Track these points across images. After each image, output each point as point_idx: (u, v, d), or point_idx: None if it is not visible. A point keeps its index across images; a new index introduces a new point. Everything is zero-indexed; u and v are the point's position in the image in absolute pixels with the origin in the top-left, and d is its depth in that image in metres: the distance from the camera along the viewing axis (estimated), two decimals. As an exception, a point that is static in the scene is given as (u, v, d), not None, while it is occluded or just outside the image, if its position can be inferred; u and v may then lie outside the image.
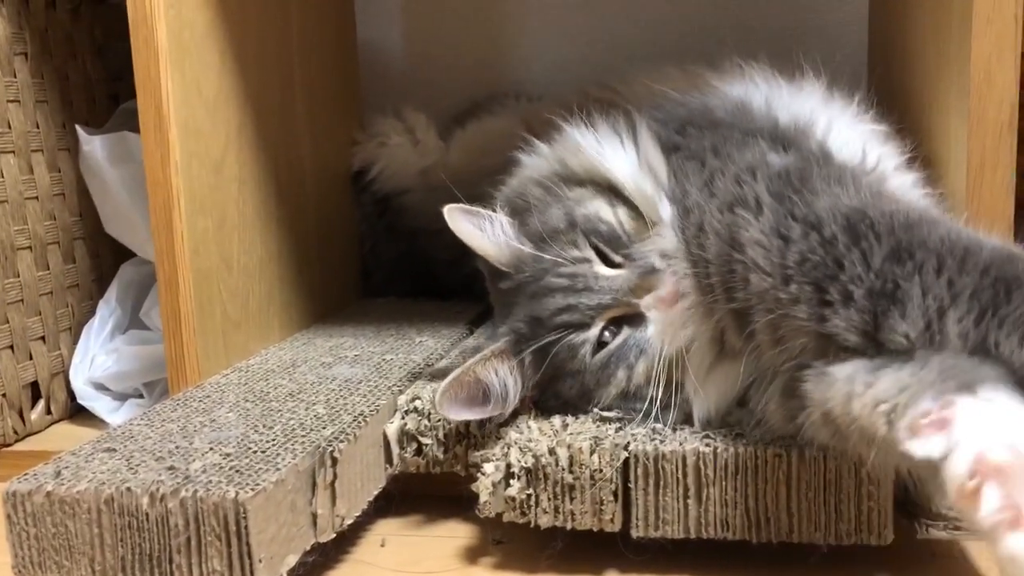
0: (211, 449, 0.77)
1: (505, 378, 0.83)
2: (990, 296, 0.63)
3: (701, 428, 0.79)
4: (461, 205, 0.87)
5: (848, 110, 0.94)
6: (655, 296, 0.79)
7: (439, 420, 0.86)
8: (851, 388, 0.66)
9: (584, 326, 0.81)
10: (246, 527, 0.68)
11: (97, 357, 1.16)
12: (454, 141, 1.35)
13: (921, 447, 0.58)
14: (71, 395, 1.19)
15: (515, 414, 0.85)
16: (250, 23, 1.10)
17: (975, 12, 0.81)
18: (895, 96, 1.08)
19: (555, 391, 0.85)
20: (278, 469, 0.72)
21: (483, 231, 0.87)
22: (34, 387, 1.15)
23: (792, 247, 0.71)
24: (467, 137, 1.34)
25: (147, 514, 0.69)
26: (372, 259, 1.40)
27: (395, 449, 0.88)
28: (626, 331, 0.81)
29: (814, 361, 0.70)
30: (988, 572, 0.76)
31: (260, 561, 0.69)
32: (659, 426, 0.79)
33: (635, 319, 0.81)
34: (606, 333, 0.81)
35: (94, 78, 1.26)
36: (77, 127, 1.16)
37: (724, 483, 0.75)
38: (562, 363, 0.82)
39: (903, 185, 0.86)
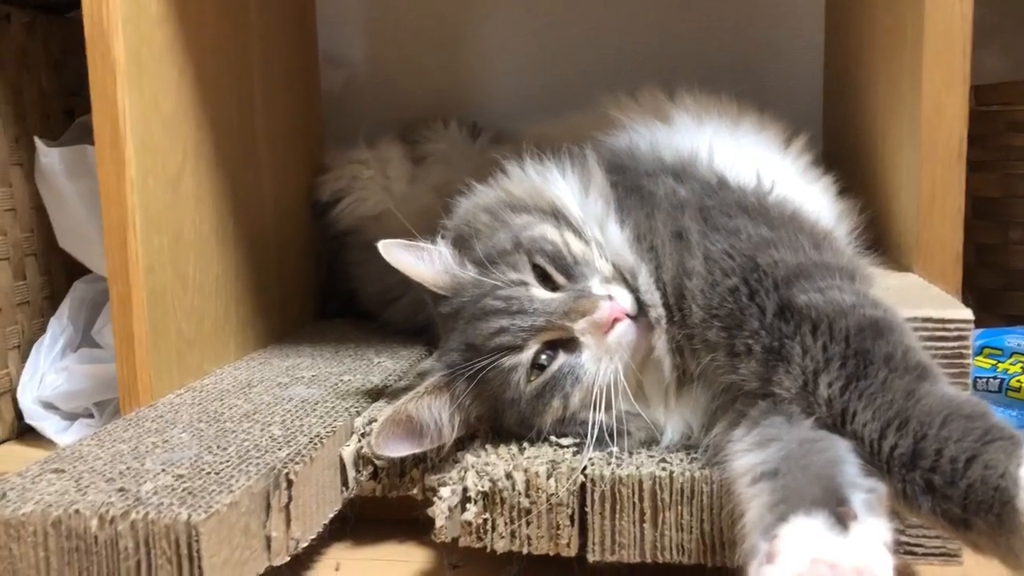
0: (163, 471, 0.76)
1: (440, 413, 0.82)
2: (853, 367, 0.67)
3: (667, 452, 0.79)
4: (397, 240, 0.86)
5: (752, 134, 0.98)
6: (589, 321, 0.78)
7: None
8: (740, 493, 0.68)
9: (517, 348, 0.80)
10: (198, 550, 0.67)
11: (47, 376, 1.14)
12: (417, 181, 1.34)
13: None
14: (19, 415, 1.16)
15: (472, 437, 0.85)
16: (209, 40, 1.09)
17: (925, 46, 0.84)
18: (849, 127, 1.11)
19: (499, 422, 0.84)
20: (232, 491, 0.71)
21: (421, 261, 0.86)
22: (-20, 406, 1.13)
23: (715, 289, 0.75)
24: (430, 179, 1.34)
25: (96, 537, 0.68)
26: (328, 288, 1.39)
27: (351, 472, 0.87)
28: (561, 357, 0.80)
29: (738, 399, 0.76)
30: (938, 596, 0.77)
31: (212, 585, 0.68)
32: (615, 450, 0.79)
33: (570, 344, 0.80)
34: (542, 358, 0.80)
35: (49, 92, 1.25)
36: (36, 139, 1.14)
37: (680, 507, 0.75)
38: (498, 391, 0.81)
39: (811, 194, 0.89)
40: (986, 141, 1.19)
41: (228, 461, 0.78)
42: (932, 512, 0.61)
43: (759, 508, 0.64)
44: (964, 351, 0.73)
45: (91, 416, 1.13)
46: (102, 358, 1.13)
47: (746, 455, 0.70)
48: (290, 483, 0.77)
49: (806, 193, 0.90)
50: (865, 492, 0.63)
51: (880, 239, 0.95)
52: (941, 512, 0.61)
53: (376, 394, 0.97)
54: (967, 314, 0.73)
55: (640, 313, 0.79)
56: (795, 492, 0.63)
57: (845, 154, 0.94)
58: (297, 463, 0.79)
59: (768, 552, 0.59)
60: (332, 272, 1.38)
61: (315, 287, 1.40)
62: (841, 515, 0.60)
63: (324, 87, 1.49)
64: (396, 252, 0.86)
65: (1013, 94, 1.20)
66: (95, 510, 0.68)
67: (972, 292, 0.88)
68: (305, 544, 0.80)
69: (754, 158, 0.90)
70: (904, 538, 0.73)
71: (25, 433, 1.17)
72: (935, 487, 0.61)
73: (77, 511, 0.68)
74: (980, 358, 1.00)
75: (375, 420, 0.87)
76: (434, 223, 0.93)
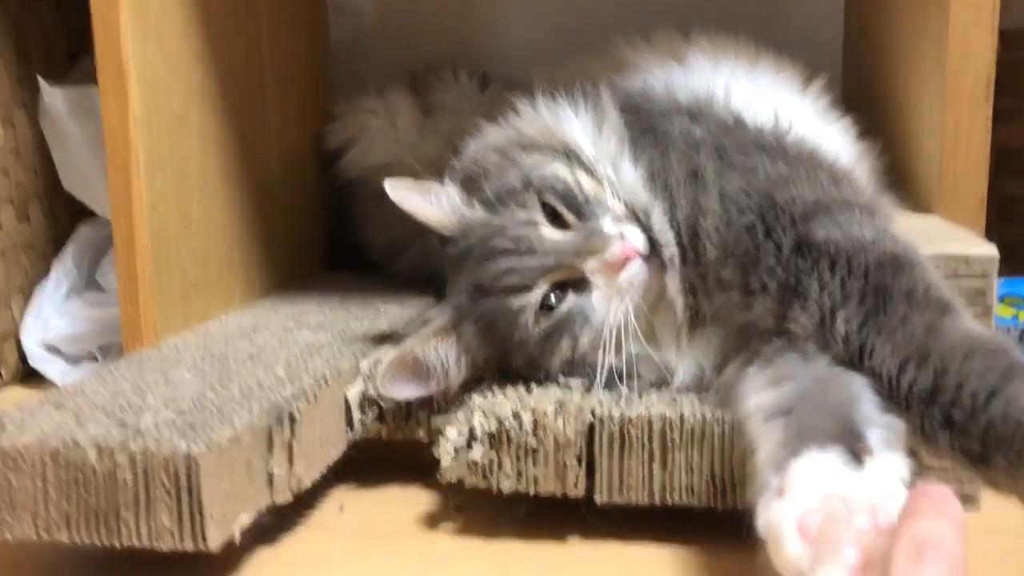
0: (165, 406, 0.75)
1: (446, 355, 0.80)
2: (872, 303, 0.66)
3: (677, 393, 0.77)
4: (405, 179, 0.84)
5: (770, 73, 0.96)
6: (600, 260, 0.76)
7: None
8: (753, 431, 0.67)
9: (526, 289, 0.78)
10: (197, 483, 0.66)
11: (51, 319, 1.13)
12: (426, 132, 1.32)
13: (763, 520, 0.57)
14: (22, 358, 1.15)
15: (479, 380, 0.83)
16: (216, -21, 1.07)
17: (953, -20, 0.81)
18: (870, 68, 1.08)
19: (507, 364, 0.82)
20: (234, 426, 0.70)
21: (429, 201, 0.84)
22: (-16, 348, 1.12)
23: (731, 227, 0.74)
24: (439, 129, 1.31)
25: (94, 468, 0.67)
26: (336, 238, 1.38)
27: (356, 413, 0.86)
28: (571, 297, 0.77)
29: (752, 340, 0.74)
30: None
31: (212, 518, 0.66)
32: (625, 391, 0.77)
33: (580, 284, 0.78)
34: (551, 298, 0.78)
35: (53, 33, 1.22)
36: (40, 79, 1.13)
37: (690, 449, 0.73)
38: (507, 332, 0.79)
39: (830, 135, 0.87)
40: (1013, 89, 1.16)
41: (231, 398, 0.76)
42: (951, 447, 0.59)
43: (772, 445, 0.63)
44: (988, 289, 0.71)
45: (95, 359, 1.12)
46: (106, 302, 1.12)
47: (759, 393, 0.69)
48: (293, 421, 0.76)
49: (825, 134, 0.87)
50: (883, 428, 0.61)
51: (901, 183, 0.93)
52: (960, 447, 0.59)
53: (383, 339, 0.95)
54: (991, 251, 0.71)
55: (652, 253, 0.77)
56: (810, 428, 0.61)
57: (866, 96, 0.92)
58: (301, 401, 0.77)
59: (779, 487, 0.57)
60: (340, 222, 1.36)
61: (323, 237, 1.38)
62: (857, 451, 0.58)
63: (334, 35, 1.47)
64: (403, 192, 0.84)
65: (1044, 40, 1.16)
66: (93, 441, 0.67)
67: (995, 244, 0.85)
68: (309, 483, 0.79)
69: (771, 99, 0.88)
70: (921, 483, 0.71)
71: (29, 376, 1.16)
72: (954, 422, 0.59)
73: (76, 442, 0.67)
74: (1001, 306, 0.98)
75: (381, 362, 0.86)
76: (443, 172, 0.91)
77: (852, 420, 0.61)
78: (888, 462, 0.58)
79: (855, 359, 0.66)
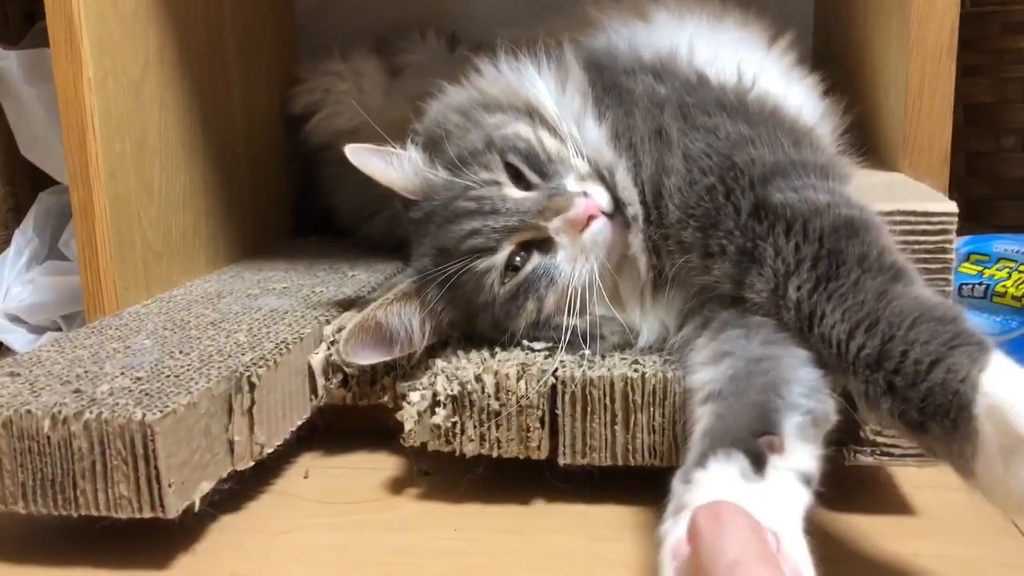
0: (122, 374, 0.74)
1: (410, 319, 0.80)
2: (824, 268, 0.65)
3: (639, 355, 0.77)
4: (365, 144, 0.83)
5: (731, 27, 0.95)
6: (564, 219, 0.75)
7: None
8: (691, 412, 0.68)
9: (490, 251, 0.77)
10: (154, 450, 0.65)
11: (12, 288, 1.12)
12: (393, 94, 1.30)
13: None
14: (-15, 328, 1.14)
15: (444, 344, 0.83)
16: (172, -63, 1.04)
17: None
18: (838, 24, 1.07)
19: (472, 328, 0.82)
20: (190, 392, 0.69)
21: (391, 165, 0.83)
22: (-55, 319, 1.10)
23: (693, 188, 0.73)
24: (407, 91, 1.29)
25: (48, 437, 0.66)
26: (303, 205, 1.36)
27: (320, 379, 0.85)
28: (536, 258, 0.77)
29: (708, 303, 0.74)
30: (913, 498, 0.76)
31: (170, 486, 0.66)
32: (588, 353, 0.77)
33: (545, 245, 0.77)
34: (516, 259, 0.77)
35: (7, -4, 1.20)
36: (-8, 44, 1.10)
37: (652, 409, 0.73)
38: (471, 295, 0.79)
39: (794, 92, 0.87)
40: (979, 44, 1.15)
41: (189, 365, 0.76)
42: (890, 414, 0.60)
43: (697, 435, 0.64)
44: (947, 245, 0.71)
45: (59, 329, 1.11)
46: (69, 270, 1.11)
47: (701, 369, 0.70)
48: (252, 386, 0.75)
49: (789, 91, 0.86)
50: (801, 415, 0.62)
51: (868, 139, 0.92)
52: (899, 414, 0.59)
53: (348, 304, 0.94)
54: (951, 207, 0.71)
55: (616, 212, 0.77)
56: (725, 427, 0.62)
57: (834, 53, 0.91)
58: (260, 367, 0.76)
59: (677, 504, 0.59)
60: (307, 188, 1.34)
61: (290, 204, 1.36)
62: (759, 454, 0.59)
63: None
64: (364, 156, 0.83)
65: (1009, -7, 1.16)
66: (48, 410, 0.66)
67: (962, 202, 0.85)
68: (271, 450, 0.78)
69: (736, 56, 0.87)
70: (881, 439, 0.71)
71: (-7, 347, 1.15)
72: (896, 388, 0.59)
73: (29, 411, 0.67)
74: (967, 264, 0.98)
75: (344, 328, 0.85)
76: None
77: (767, 409, 0.62)
78: (790, 463, 0.60)
79: (805, 326, 0.66)
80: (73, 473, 0.66)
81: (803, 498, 0.59)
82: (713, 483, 0.58)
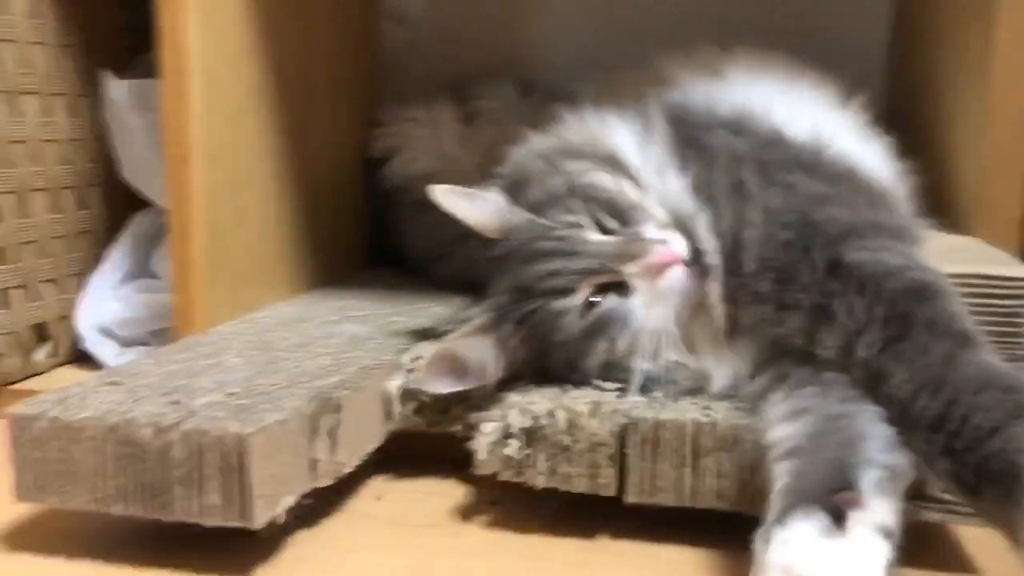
0: (216, 388, 0.78)
1: (485, 353, 0.82)
2: (894, 329, 0.67)
3: (711, 400, 0.79)
4: (451, 186, 0.86)
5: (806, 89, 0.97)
6: (641, 264, 0.78)
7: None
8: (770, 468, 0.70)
9: (568, 291, 0.80)
10: (247, 463, 0.69)
11: (105, 303, 1.17)
12: (466, 141, 1.34)
13: None
14: (76, 340, 1.19)
15: (516, 379, 0.86)
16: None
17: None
18: (914, 89, 1.09)
19: (545, 364, 0.84)
20: (282, 410, 0.73)
21: (473, 206, 0.86)
22: (41, 328, 1.16)
23: (771, 241, 0.75)
24: (480, 138, 1.33)
25: (149, 445, 0.70)
26: (377, 242, 1.40)
27: (396, 406, 0.88)
28: (611, 300, 0.79)
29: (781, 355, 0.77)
30: (976, 558, 0.77)
31: (259, 498, 0.69)
32: (660, 395, 0.79)
33: (621, 289, 0.79)
34: (592, 300, 0.80)
35: (119, 27, 1.27)
36: (105, 72, 1.17)
37: (721, 454, 0.75)
38: (547, 333, 0.81)
39: (869, 153, 0.89)
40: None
41: (278, 384, 0.80)
42: (947, 474, 0.62)
43: (777, 494, 0.66)
44: (1020, 310, 0.72)
45: (146, 344, 1.16)
46: (159, 288, 1.16)
47: (779, 425, 0.71)
48: (338, 408, 0.79)
49: (864, 152, 0.89)
50: (880, 469, 0.64)
51: (941, 203, 0.94)
52: (955, 476, 0.61)
53: (424, 335, 0.98)
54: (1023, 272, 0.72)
55: (694, 261, 0.79)
56: (804, 484, 0.64)
57: (908, 115, 0.93)
58: (346, 390, 0.80)
59: (758, 563, 0.61)
60: (381, 227, 1.39)
61: (365, 239, 1.41)
62: (839, 510, 0.61)
63: (387, 43, 1.50)
64: (448, 196, 0.86)
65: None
66: (150, 419, 0.71)
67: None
68: (349, 470, 0.82)
69: (811, 115, 0.89)
70: (948, 496, 0.72)
71: (81, 358, 1.20)
72: (954, 451, 0.61)
73: (132, 419, 0.71)
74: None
75: (421, 357, 0.88)
76: (483, 182, 0.93)
77: (846, 464, 0.64)
78: (869, 518, 0.61)
79: (872, 384, 0.68)
80: (169, 480, 0.70)
81: (884, 552, 0.60)
82: (793, 541, 0.60)
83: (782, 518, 0.62)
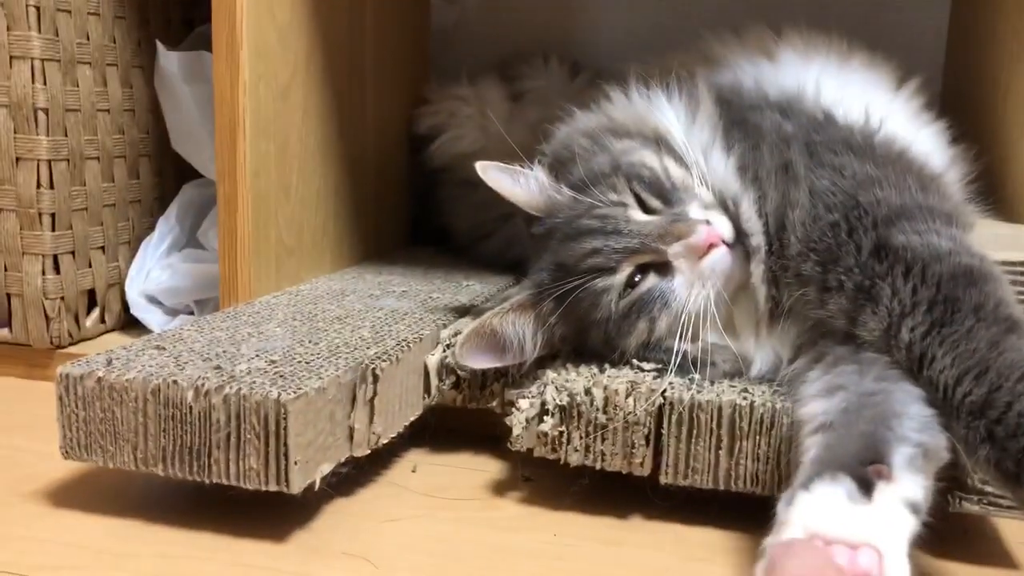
0: (257, 356, 0.79)
1: (523, 329, 0.83)
2: (939, 313, 0.67)
3: (749, 383, 0.79)
4: (494, 163, 0.86)
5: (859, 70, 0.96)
6: (684, 244, 0.77)
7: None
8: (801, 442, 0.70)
9: (609, 270, 0.79)
10: (285, 428, 0.70)
11: (153, 271, 1.19)
12: (513, 120, 1.34)
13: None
14: (125, 307, 1.22)
15: (554, 357, 0.86)
16: (327, -44, 1.11)
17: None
18: (971, 75, 1.06)
19: (583, 343, 0.84)
20: (321, 378, 0.74)
21: (517, 183, 0.87)
22: (91, 295, 1.19)
23: (816, 223, 0.75)
24: (526, 116, 1.33)
25: (191, 407, 0.71)
26: (420, 221, 1.41)
27: (434, 380, 0.89)
28: (652, 279, 0.79)
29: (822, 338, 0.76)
30: (1016, 552, 0.75)
31: (296, 463, 0.70)
32: (697, 378, 0.79)
33: (663, 268, 0.79)
34: (634, 279, 0.79)
35: (170, 1, 1.29)
36: (157, 43, 1.19)
37: (758, 437, 0.74)
38: (587, 311, 0.81)
39: (921, 137, 0.87)
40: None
41: (319, 354, 0.81)
42: (987, 461, 0.61)
43: (806, 463, 0.65)
44: (1070, 300, 0.70)
45: (191, 312, 1.18)
46: (205, 258, 1.18)
47: (813, 401, 0.71)
48: (376, 378, 0.79)
49: (916, 135, 0.87)
50: (913, 447, 0.63)
51: (994, 190, 0.92)
52: (995, 463, 0.60)
53: (463, 311, 0.98)
54: (1077, 261, 0.70)
55: (737, 242, 0.79)
56: (833, 454, 0.64)
57: (964, 100, 0.91)
58: (384, 361, 0.81)
59: (779, 522, 0.60)
60: (425, 206, 1.40)
61: (408, 215, 1.42)
62: (868, 480, 0.60)
63: (436, 22, 1.50)
64: (493, 173, 0.87)
65: None
66: (192, 382, 0.72)
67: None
68: (386, 440, 0.82)
69: (863, 97, 0.88)
70: (988, 488, 0.71)
71: (129, 325, 1.23)
72: (995, 437, 0.60)
73: (175, 382, 0.72)
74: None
75: (460, 332, 0.89)
76: (528, 160, 0.93)
77: (878, 439, 0.63)
78: (900, 489, 0.60)
79: (915, 367, 0.67)
80: (209, 443, 0.72)
81: (910, 524, 0.59)
82: (818, 503, 0.59)
83: (807, 483, 0.61)
